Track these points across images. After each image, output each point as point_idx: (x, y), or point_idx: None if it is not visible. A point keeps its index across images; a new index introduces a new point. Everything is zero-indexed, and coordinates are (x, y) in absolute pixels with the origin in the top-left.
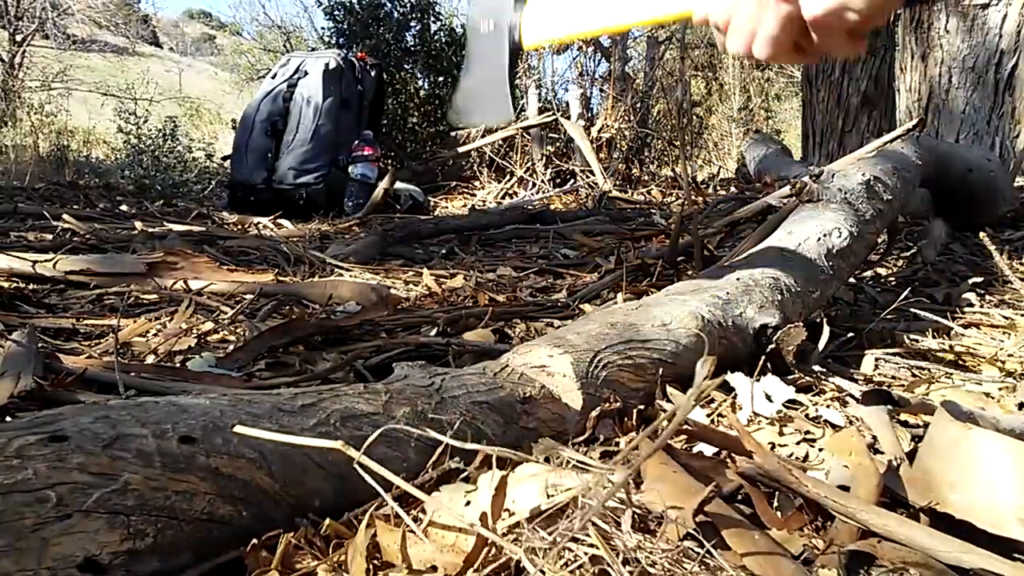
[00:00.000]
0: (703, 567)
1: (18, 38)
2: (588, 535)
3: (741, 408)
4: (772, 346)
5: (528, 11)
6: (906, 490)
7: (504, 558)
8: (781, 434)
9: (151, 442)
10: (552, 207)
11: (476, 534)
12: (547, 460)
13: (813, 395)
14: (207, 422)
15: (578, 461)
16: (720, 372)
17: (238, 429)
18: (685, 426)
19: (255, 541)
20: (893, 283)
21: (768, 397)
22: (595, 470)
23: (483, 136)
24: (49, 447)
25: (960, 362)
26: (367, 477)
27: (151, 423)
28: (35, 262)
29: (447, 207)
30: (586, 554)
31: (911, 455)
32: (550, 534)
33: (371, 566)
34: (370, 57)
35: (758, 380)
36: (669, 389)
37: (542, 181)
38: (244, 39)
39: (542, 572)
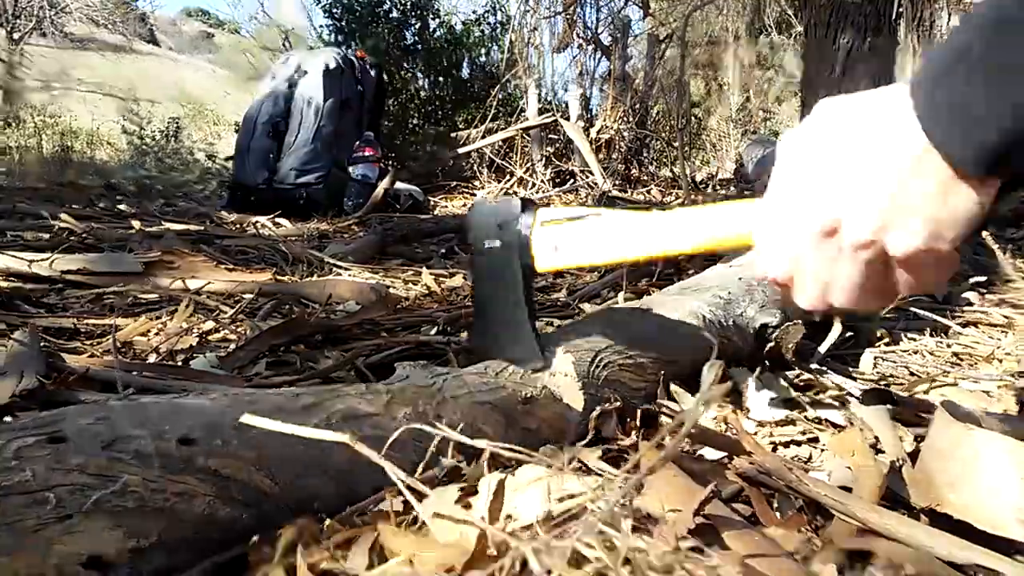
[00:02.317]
0: (703, 568)
1: (15, 36)
2: (591, 542)
3: (742, 409)
4: (771, 344)
5: (538, 236)
6: (908, 491)
7: (504, 561)
8: (779, 435)
9: (150, 443)
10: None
11: (481, 531)
12: (550, 464)
13: (814, 394)
14: (206, 423)
15: (589, 467)
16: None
17: (245, 418)
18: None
19: (256, 538)
20: None
21: (770, 398)
22: (606, 477)
23: (483, 137)
24: (47, 448)
25: (958, 361)
26: (388, 472)
27: (150, 424)
28: (31, 261)
29: (447, 207)
30: (595, 559)
31: (913, 455)
32: (555, 539)
33: (371, 562)
34: (369, 57)
35: (759, 380)
36: (673, 388)
37: (542, 181)
38: (242, 37)
39: (548, 572)
